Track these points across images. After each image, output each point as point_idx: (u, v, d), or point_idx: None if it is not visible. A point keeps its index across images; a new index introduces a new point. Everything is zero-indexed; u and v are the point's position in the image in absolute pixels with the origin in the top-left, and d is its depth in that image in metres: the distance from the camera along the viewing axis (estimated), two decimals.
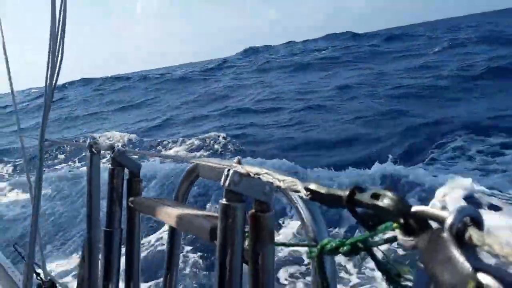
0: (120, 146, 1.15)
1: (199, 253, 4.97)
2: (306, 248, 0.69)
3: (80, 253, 5.60)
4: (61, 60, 1.19)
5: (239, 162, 0.67)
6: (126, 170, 1.17)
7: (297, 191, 0.53)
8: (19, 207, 7.65)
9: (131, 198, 1.14)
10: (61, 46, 1.18)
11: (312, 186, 0.49)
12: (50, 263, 4.88)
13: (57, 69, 1.20)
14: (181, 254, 1.17)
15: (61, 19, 1.14)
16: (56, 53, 1.18)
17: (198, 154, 10.37)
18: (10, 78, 1.82)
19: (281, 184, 0.57)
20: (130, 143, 12.11)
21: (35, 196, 1.28)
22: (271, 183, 0.60)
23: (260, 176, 0.62)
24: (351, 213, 0.43)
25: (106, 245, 1.16)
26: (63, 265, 5.18)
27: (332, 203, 0.46)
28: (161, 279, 1.11)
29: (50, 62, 1.18)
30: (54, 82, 1.21)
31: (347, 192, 0.43)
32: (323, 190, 0.48)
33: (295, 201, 0.70)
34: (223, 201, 0.64)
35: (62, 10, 1.14)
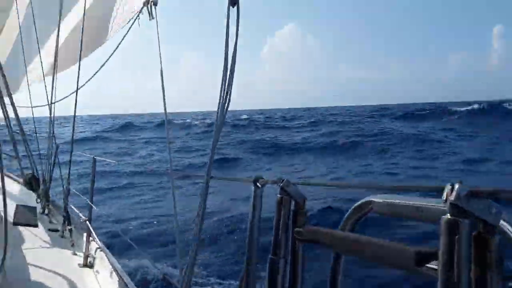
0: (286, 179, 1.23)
1: None
2: None
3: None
4: (230, 92, 1.35)
5: (455, 186, 0.65)
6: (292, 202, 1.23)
7: None
8: None
9: (296, 229, 1.18)
10: (232, 74, 1.34)
11: None
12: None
13: (227, 101, 1.35)
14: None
15: (232, 52, 1.31)
16: (227, 83, 1.35)
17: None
18: (163, 94, 2.06)
19: None
20: None
21: (200, 215, 1.39)
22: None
23: (493, 195, 0.60)
24: None
25: (271, 272, 1.20)
26: None
27: None
28: None
29: (222, 92, 1.34)
30: (225, 112, 1.36)
31: None
32: None
33: None
34: (447, 216, 0.63)
35: (234, 45, 1.32)
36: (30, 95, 5.01)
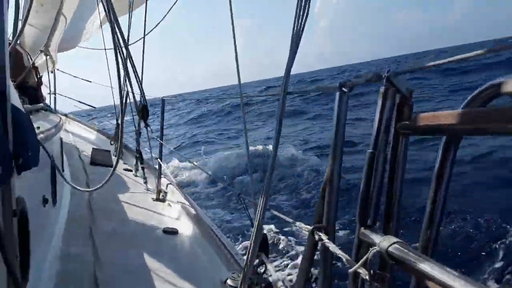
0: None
1: None
2: None
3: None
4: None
5: None
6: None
7: None
8: None
9: (400, 123, 1.11)
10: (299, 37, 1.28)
11: None
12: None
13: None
14: None
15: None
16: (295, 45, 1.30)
17: None
18: (238, 70, 2.04)
19: None
20: None
21: (275, 139, 1.37)
22: None
23: None
24: None
25: (369, 168, 1.15)
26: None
27: None
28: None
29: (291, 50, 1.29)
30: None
31: None
32: None
33: None
34: None
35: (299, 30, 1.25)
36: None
